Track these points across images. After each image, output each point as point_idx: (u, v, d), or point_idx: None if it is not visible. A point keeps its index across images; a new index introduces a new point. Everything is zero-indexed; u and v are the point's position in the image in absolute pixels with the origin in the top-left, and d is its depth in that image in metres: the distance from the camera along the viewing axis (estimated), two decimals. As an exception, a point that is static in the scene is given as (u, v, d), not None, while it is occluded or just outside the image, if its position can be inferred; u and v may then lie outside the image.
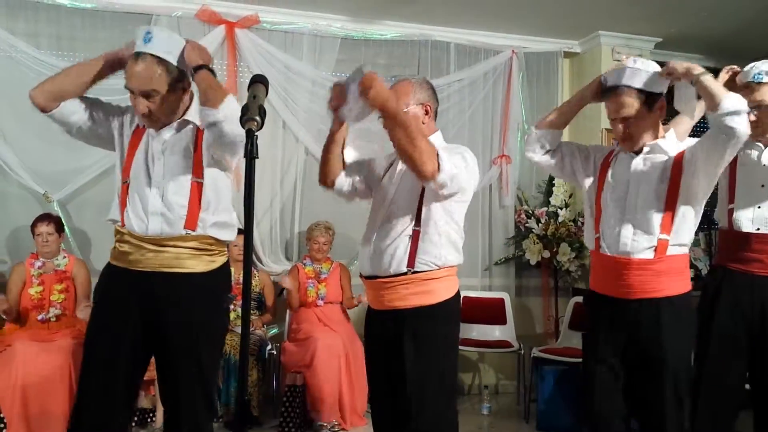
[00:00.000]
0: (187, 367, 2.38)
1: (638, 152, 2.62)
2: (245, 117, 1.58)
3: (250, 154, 1.57)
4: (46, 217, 4.36)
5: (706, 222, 4.95)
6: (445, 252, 2.44)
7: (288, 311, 4.89)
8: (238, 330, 4.49)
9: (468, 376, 5.62)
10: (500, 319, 5.30)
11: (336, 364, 4.41)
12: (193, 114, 2.44)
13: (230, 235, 2.52)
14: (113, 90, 4.76)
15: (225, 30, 4.96)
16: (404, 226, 2.42)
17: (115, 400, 2.38)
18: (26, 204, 4.68)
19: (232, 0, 4.93)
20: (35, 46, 4.68)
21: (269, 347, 4.62)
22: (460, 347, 4.92)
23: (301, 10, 5.11)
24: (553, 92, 5.76)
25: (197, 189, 2.40)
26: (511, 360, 5.32)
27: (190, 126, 2.45)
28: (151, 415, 4.38)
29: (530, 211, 5.44)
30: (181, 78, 2.36)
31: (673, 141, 2.63)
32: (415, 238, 2.41)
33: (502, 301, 5.36)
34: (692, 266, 5.81)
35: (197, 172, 2.41)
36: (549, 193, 5.54)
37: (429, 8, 5.05)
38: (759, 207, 2.81)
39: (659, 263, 2.52)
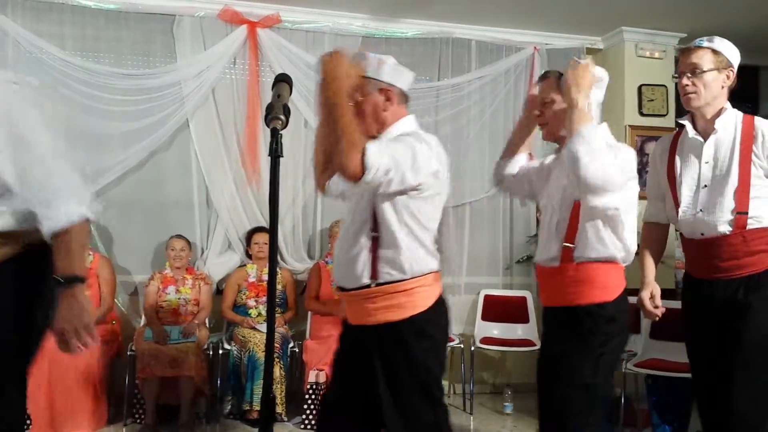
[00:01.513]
0: None
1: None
2: (270, 116, 1.59)
3: (275, 153, 1.57)
4: None
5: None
6: (413, 258, 2.16)
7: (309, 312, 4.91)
8: (261, 328, 4.52)
9: (490, 375, 5.60)
10: (523, 318, 5.27)
11: (358, 362, 4.41)
12: None
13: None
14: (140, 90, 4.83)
15: (247, 30, 4.99)
16: (364, 231, 2.17)
17: None
18: (52, 203, 4.73)
19: (254, 0, 4.95)
20: (60, 47, 4.74)
21: (291, 345, 4.64)
22: (483, 345, 4.95)
23: (322, 9, 5.12)
24: (576, 89, 5.71)
25: None
26: (534, 359, 5.26)
27: None
28: (175, 411, 4.41)
29: (553, 209, 5.40)
30: None
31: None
32: (374, 244, 2.15)
33: (524, 299, 5.33)
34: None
35: None
36: (571, 190, 5.49)
37: (450, 6, 5.03)
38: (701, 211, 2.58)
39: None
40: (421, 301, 2.16)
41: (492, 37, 5.52)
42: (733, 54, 2.62)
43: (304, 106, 5.07)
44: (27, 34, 4.67)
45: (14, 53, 4.69)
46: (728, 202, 2.50)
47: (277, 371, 4.43)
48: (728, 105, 2.64)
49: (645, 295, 2.79)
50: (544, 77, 2.56)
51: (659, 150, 2.87)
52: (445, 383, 5.21)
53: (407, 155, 2.07)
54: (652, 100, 5.47)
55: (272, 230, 1.58)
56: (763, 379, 2.43)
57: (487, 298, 5.35)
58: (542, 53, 5.58)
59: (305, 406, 4.38)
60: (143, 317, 4.65)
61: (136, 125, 4.84)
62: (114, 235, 4.91)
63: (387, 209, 2.12)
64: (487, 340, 5.03)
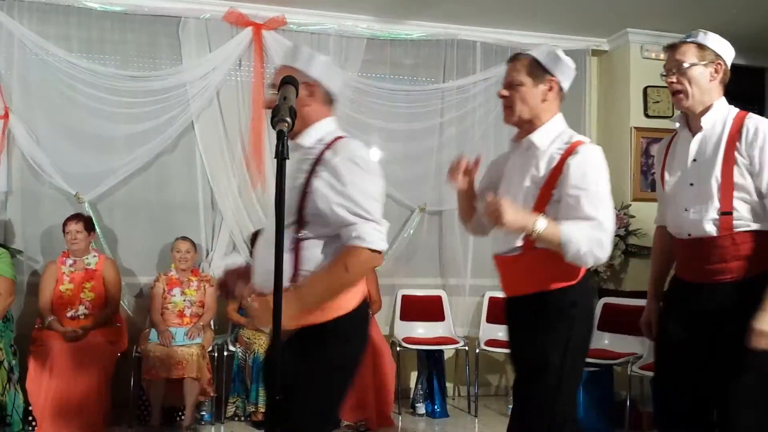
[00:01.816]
0: None
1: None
2: (276, 118, 1.58)
3: (281, 155, 1.57)
4: (76, 217, 4.44)
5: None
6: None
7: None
8: (265, 330, 4.52)
9: (494, 377, 5.59)
10: (527, 320, 5.25)
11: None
12: None
13: None
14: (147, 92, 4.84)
15: (252, 32, 4.99)
16: (289, 231, 2.03)
17: None
18: (58, 204, 4.76)
19: (259, 2, 4.96)
20: (66, 49, 4.76)
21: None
22: (488, 348, 4.94)
23: (327, 10, 5.13)
24: (581, 91, 5.70)
25: None
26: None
27: None
28: (180, 413, 4.42)
29: (558, 211, 5.39)
30: None
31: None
32: (297, 245, 2.04)
33: (529, 301, 5.31)
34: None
35: None
36: (577, 192, 5.48)
37: (455, 7, 5.03)
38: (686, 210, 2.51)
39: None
40: (341, 303, 2.06)
41: (497, 38, 5.51)
42: (720, 46, 2.53)
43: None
44: (33, 36, 4.68)
45: (20, 55, 4.70)
46: (714, 202, 2.42)
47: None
48: (722, 101, 2.56)
49: (643, 321, 2.80)
50: (514, 58, 2.47)
51: (657, 151, 2.83)
52: (450, 385, 5.24)
53: (370, 191, 2.01)
54: (658, 102, 5.46)
55: (278, 232, 1.57)
56: (758, 385, 2.38)
57: (491, 300, 5.34)
58: (547, 55, 5.56)
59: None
60: (148, 319, 4.65)
61: (141, 127, 4.85)
62: (119, 237, 4.92)
63: (317, 209, 2.02)
64: (492, 343, 5.01)
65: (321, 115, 2.15)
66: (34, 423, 4.02)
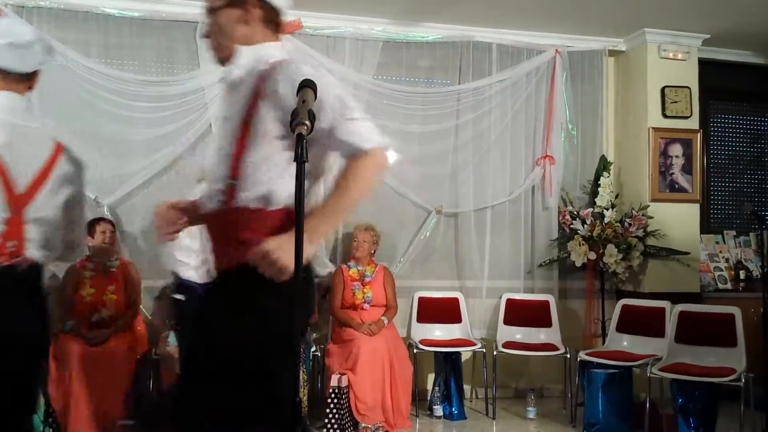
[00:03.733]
0: None
1: None
2: (295, 121, 1.59)
3: (300, 158, 1.57)
4: (102, 219, 4.48)
5: (758, 221, 4.81)
6: None
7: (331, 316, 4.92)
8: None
9: (512, 379, 5.56)
10: (545, 322, 5.24)
11: (379, 366, 4.42)
12: None
13: None
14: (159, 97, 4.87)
15: (268, 35, 5.01)
16: None
17: None
18: (77, 209, 4.79)
19: (275, 6, 4.97)
20: (84, 54, 4.81)
21: (313, 349, 4.65)
22: (505, 350, 4.94)
23: (342, 14, 5.14)
24: (598, 91, 5.69)
25: None
26: (557, 363, 5.25)
27: None
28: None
29: (575, 212, 5.37)
30: None
31: None
32: None
33: (547, 303, 5.30)
34: (743, 267, 5.73)
35: None
36: (594, 193, 5.47)
37: (470, 9, 5.03)
38: None
39: None
40: None
41: (513, 40, 5.50)
42: None
43: (324, 110, 5.08)
44: (52, 41, 4.72)
45: (40, 61, 4.75)
46: None
47: (300, 375, 4.44)
48: None
49: None
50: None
51: None
52: (467, 387, 5.22)
53: None
54: (676, 102, 5.42)
55: (298, 235, 1.58)
56: None
57: (509, 302, 5.33)
58: (563, 56, 5.55)
59: (327, 410, 4.38)
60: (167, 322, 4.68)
61: (159, 131, 4.89)
62: (139, 240, 4.95)
63: None
64: (509, 345, 5.00)
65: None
66: (54, 425, 4.05)
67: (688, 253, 5.31)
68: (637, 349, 4.68)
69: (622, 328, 4.92)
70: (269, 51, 1.98)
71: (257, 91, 1.87)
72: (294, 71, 1.83)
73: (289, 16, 1.94)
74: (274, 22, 2.02)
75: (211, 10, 1.99)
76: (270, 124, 1.85)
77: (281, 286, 1.70)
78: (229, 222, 1.88)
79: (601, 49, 5.67)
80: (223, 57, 1.99)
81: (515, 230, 5.53)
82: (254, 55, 1.95)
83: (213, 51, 2.02)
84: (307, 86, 1.71)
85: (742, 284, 5.70)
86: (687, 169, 5.47)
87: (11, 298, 2.25)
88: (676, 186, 5.47)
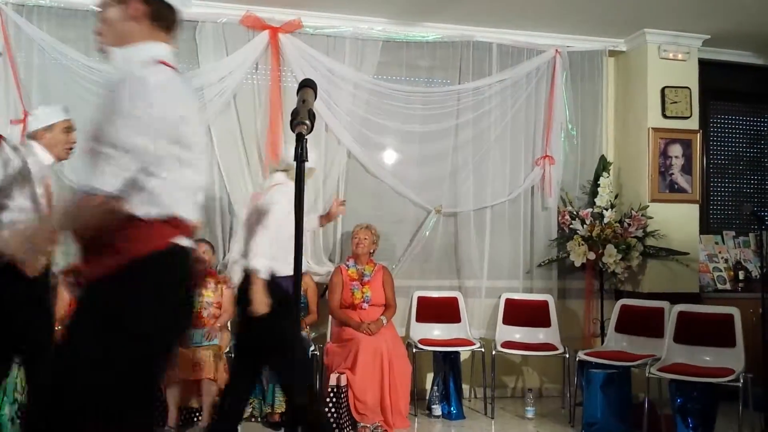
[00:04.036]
0: None
1: None
2: (296, 121, 1.59)
3: (300, 158, 1.58)
4: None
5: (757, 221, 4.82)
6: None
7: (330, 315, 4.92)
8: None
9: (511, 379, 5.57)
10: (544, 322, 5.24)
11: (378, 365, 4.42)
12: None
13: None
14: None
15: (269, 35, 5.02)
16: None
17: None
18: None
19: (276, 5, 4.98)
20: (85, 53, 4.80)
21: (312, 348, 4.65)
22: (504, 350, 4.95)
23: (342, 13, 5.14)
24: (598, 92, 5.69)
25: None
26: (556, 363, 5.26)
27: None
28: (197, 414, 4.44)
29: (574, 213, 5.38)
30: None
31: None
32: None
33: (545, 303, 5.30)
34: (742, 268, 5.73)
35: None
36: (594, 193, 5.47)
37: (470, 9, 5.02)
38: None
39: None
40: None
41: (513, 40, 5.50)
42: None
43: (324, 109, 5.08)
44: (52, 40, 4.73)
45: (39, 59, 4.76)
46: None
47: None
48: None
49: None
50: None
51: None
52: (466, 387, 5.23)
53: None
54: (676, 102, 5.42)
55: (297, 235, 1.58)
56: None
57: (508, 302, 5.33)
58: (564, 56, 5.55)
59: (326, 409, 4.38)
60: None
61: (159, 130, 4.87)
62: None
63: None
64: (508, 344, 5.01)
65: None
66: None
67: (688, 254, 5.31)
68: (636, 349, 4.69)
69: (621, 328, 4.93)
70: (146, 52, 1.99)
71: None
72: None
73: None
74: (165, 20, 2.00)
75: (101, 5, 2.04)
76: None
77: None
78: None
79: (601, 49, 5.67)
80: (107, 54, 2.06)
81: (515, 230, 5.53)
82: (124, 56, 2.00)
83: (100, 47, 2.08)
84: (308, 86, 1.71)
85: (741, 285, 5.70)
86: (687, 169, 5.48)
87: None
88: (676, 186, 5.47)
